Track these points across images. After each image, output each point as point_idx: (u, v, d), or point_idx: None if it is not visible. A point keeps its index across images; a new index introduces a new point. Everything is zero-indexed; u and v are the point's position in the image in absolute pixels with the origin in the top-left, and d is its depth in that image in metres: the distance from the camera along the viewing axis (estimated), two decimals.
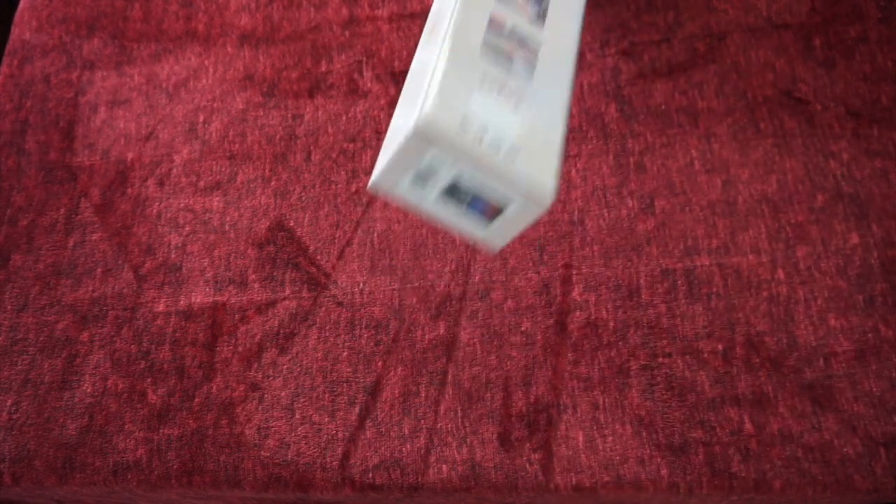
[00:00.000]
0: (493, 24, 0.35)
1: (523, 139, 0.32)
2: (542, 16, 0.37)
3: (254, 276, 0.48)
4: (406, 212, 0.49)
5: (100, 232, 0.50)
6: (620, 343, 0.45)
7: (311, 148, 0.51)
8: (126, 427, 0.45)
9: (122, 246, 0.50)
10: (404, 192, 0.34)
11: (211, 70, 0.55)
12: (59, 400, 0.46)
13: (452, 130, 0.31)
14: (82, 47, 0.56)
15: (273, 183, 0.50)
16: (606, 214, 0.48)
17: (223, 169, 0.51)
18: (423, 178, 0.33)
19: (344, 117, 0.52)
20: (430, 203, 0.34)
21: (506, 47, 0.35)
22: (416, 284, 0.47)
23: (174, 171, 0.51)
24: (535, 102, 0.33)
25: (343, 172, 0.50)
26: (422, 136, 0.31)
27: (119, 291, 0.48)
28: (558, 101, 0.34)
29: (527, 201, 0.32)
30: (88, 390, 0.46)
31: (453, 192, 0.33)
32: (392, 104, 0.52)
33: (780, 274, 0.46)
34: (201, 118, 0.53)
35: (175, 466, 0.44)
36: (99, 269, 0.49)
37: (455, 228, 0.35)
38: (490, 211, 0.34)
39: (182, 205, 0.50)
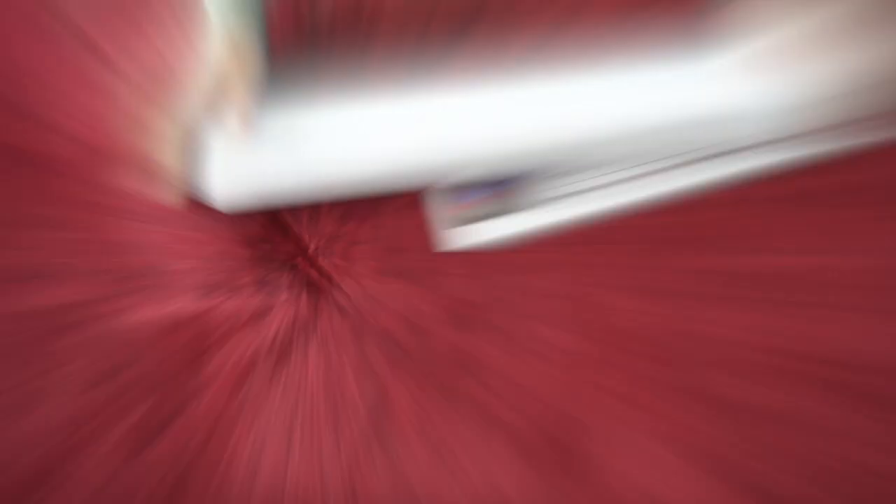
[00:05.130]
0: None
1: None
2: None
3: (246, 280, 0.45)
4: (420, 207, 0.46)
5: (76, 231, 0.47)
6: (655, 355, 0.42)
7: None
8: (104, 447, 0.42)
9: (102, 246, 0.46)
10: None
11: None
12: (31, 415, 0.42)
13: None
14: None
15: None
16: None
17: None
18: None
19: None
20: None
21: None
22: (430, 289, 0.44)
23: None
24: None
25: None
26: None
27: (97, 297, 0.45)
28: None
29: None
30: (63, 405, 0.43)
31: None
32: None
33: None
34: None
35: (160, 491, 0.41)
36: (75, 272, 0.46)
37: None
38: None
39: None
